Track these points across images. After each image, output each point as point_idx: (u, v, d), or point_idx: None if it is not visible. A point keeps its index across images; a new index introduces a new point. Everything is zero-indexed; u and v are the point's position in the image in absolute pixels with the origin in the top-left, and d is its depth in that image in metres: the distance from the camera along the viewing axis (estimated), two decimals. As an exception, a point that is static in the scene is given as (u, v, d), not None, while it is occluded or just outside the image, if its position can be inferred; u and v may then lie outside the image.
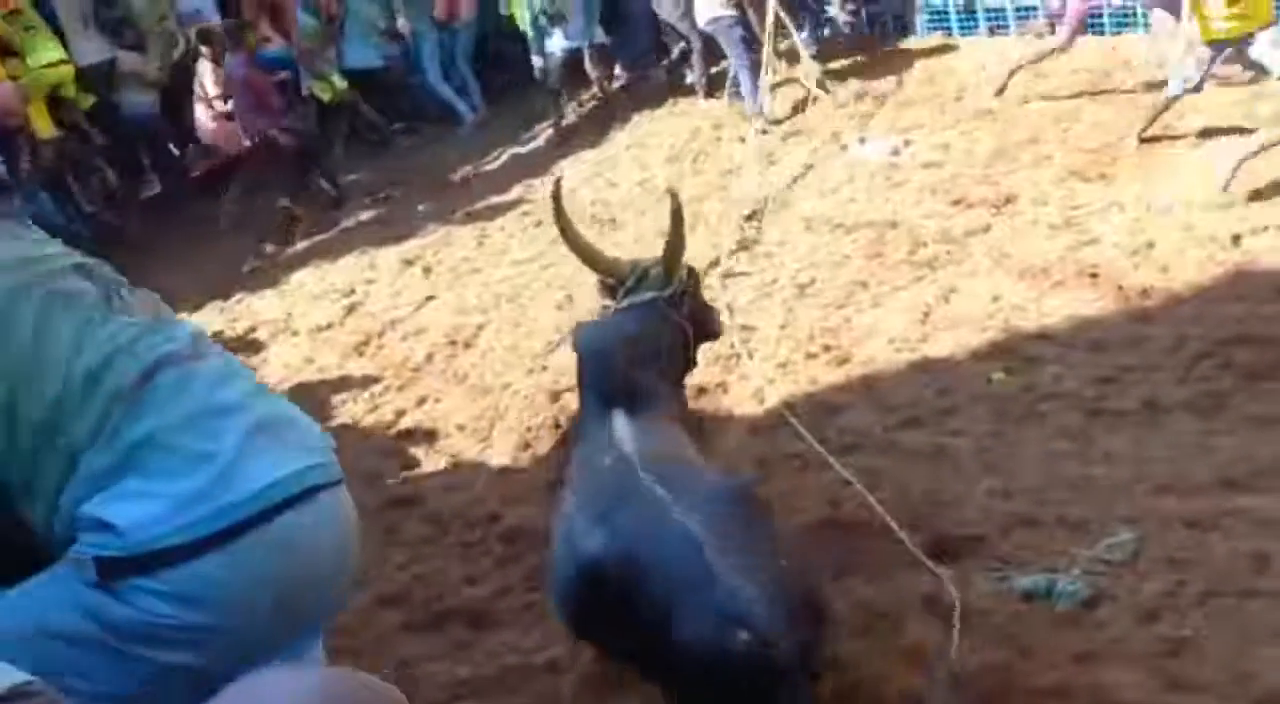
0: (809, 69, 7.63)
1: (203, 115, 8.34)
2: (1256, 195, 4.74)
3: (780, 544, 2.19)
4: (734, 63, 7.68)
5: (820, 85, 7.52)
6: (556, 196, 3.08)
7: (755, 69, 7.43)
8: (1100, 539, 3.08)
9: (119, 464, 1.53)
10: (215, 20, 8.58)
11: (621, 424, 2.56)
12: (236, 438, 1.60)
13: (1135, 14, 7.06)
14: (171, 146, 8.98)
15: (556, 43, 8.45)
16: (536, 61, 8.53)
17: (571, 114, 8.75)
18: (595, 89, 8.82)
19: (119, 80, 8.17)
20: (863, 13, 8.58)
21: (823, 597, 2.24)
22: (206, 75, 8.22)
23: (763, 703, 2.02)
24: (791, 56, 7.93)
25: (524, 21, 8.45)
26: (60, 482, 1.53)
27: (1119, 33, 7.12)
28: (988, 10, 7.83)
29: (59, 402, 1.53)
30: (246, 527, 1.55)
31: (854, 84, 7.68)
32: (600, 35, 8.64)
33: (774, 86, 7.63)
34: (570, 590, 2.38)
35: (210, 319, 6.50)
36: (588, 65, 8.65)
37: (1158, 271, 4.39)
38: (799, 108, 7.59)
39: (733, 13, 7.57)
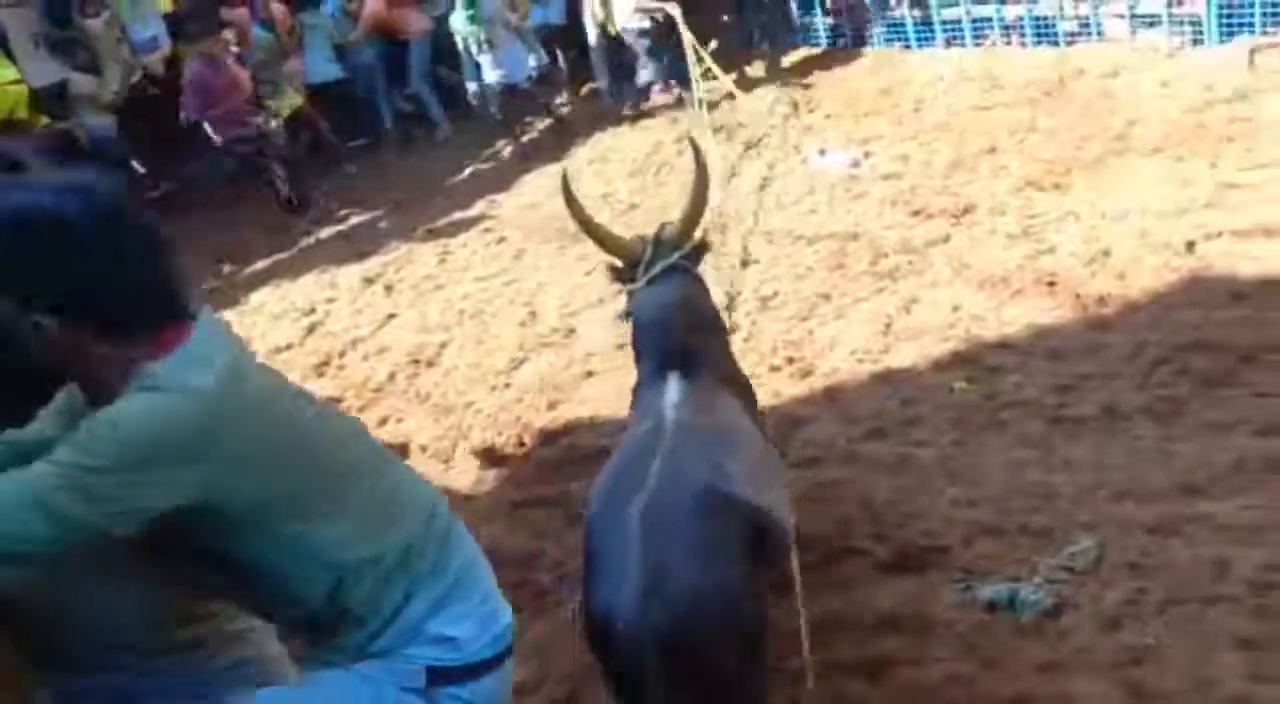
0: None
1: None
2: (1210, 202, 4.79)
3: (715, 557, 2.14)
4: (639, 70, 7.88)
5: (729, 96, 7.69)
6: (565, 185, 3.16)
7: (661, 75, 7.81)
8: (1062, 547, 3.10)
9: (449, 592, 1.83)
10: (167, 45, 8.48)
11: (673, 389, 2.60)
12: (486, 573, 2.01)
13: (1090, 23, 7.16)
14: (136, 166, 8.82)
15: (491, 73, 8.36)
16: (470, 87, 8.45)
17: (524, 137, 8.69)
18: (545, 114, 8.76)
19: (72, 102, 8.05)
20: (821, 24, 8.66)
21: (746, 612, 2.13)
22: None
23: (643, 688, 2.02)
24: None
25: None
26: (399, 603, 1.78)
27: (1072, 42, 7.21)
28: (944, 22, 7.91)
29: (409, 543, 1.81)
30: (506, 655, 1.94)
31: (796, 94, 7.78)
32: (536, 64, 8.51)
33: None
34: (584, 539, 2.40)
35: (168, 341, 6.40)
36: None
37: (1114, 279, 4.43)
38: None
39: (641, 24, 7.76)
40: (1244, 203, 4.73)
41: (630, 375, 3.64)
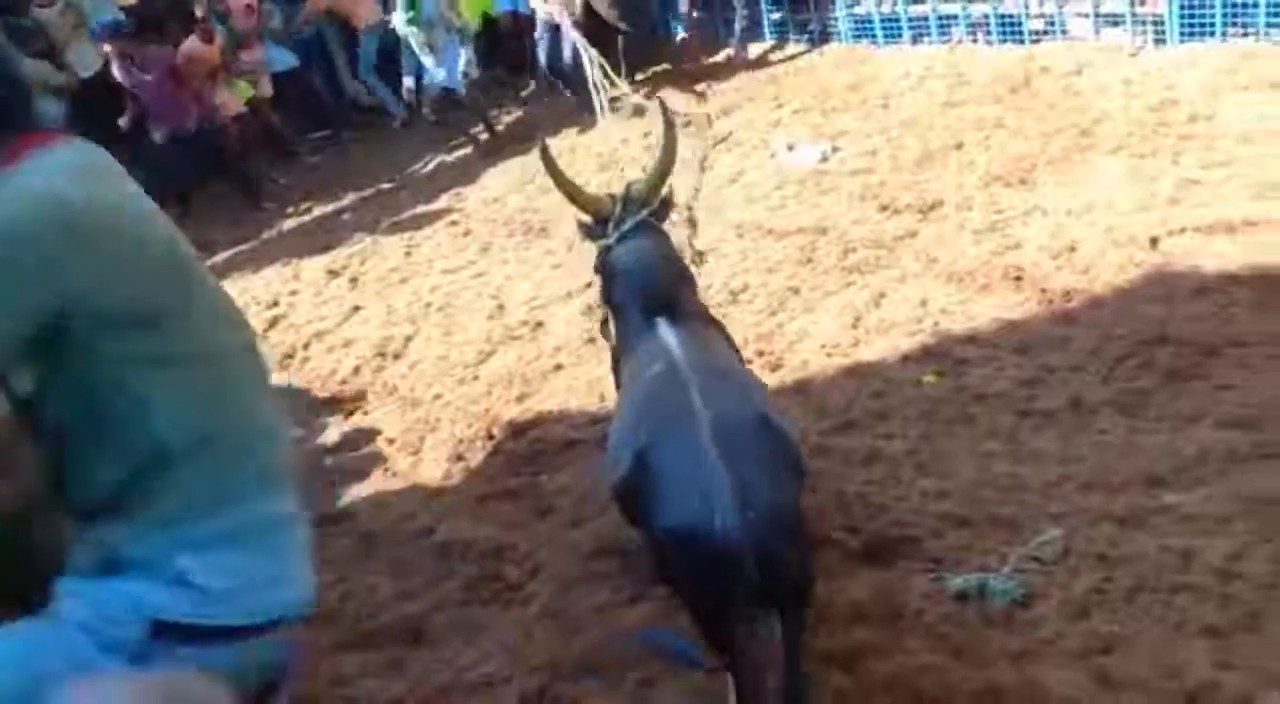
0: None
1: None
2: (1173, 199, 4.85)
3: (780, 475, 2.39)
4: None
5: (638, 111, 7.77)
6: (545, 150, 3.40)
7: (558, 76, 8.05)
8: (1031, 538, 3.11)
9: (234, 534, 1.63)
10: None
11: (667, 333, 2.79)
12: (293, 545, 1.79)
13: (1054, 22, 7.24)
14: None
15: (435, 73, 8.23)
16: (407, 81, 8.27)
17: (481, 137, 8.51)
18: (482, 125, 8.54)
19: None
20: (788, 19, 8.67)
21: (803, 530, 2.44)
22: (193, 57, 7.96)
23: (732, 600, 2.18)
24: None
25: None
26: (167, 495, 1.58)
27: (1038, 41, 7.28)
28: (911, 19, 7.95)
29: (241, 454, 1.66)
30: (263, 630, 1.66)
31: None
32: (465, 69, 8.31)
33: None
34: (617, 488, 2.62)
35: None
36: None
37: (1080, 274, 4.47)
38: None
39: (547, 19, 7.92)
40: (1206, 199, 4.80)
41: (599, 368, 3.64)
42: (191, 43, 7.89)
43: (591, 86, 7.72)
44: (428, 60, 8.09)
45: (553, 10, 8.02)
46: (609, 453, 2.78)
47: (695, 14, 8.89)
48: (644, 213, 3.12)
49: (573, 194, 3.28)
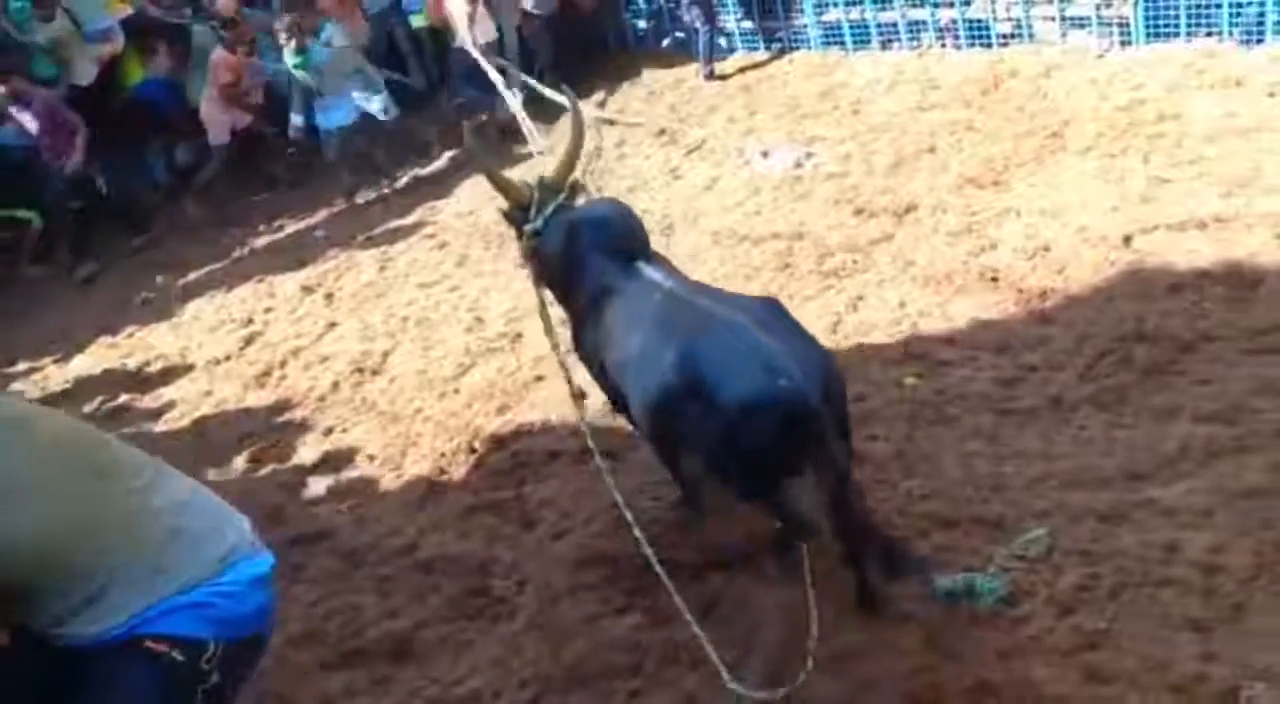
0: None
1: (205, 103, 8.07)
2: (1144, 197, 4.90)
3: (811, 340, 2.87)
4: None
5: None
6: (469, 134, 4.05)
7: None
8: (1016, 536, 3.14)
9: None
10: (121, 39, 8.23)
11: (650, 271, 3.15)
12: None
13: (1022, 26, 7.30)
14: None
15: (321, 119, 7.94)
16: (295, 120, 7.92)
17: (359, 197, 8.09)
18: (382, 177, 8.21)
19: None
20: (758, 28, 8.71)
21: (841, 379, 2.88)
22: (219, 64, 7.94)
23: (797, 451, 2.61)
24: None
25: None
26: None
27: (1006, 44, 7.34)
28: (879, 26, 8.00)
29: None
30: None
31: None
32: (383, 107, 8.06)
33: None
34: (655, 402, 2.86)
35: (100, 356, 6.22)
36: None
37: (1055, 273, 4.50)
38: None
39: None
40: (1176, 197, 4.85)
41: (580, 377, 3.63)
42: (220, 52, 7.95)
43: (518, 111, 7.65)
44: (318, 103, 7.82)
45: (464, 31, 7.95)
46: (633, 387, 3.00)
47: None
48: (560, 196, 3.42)
49: (502, 186, 3.50)
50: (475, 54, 7.76)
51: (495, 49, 8.22)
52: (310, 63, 7.56)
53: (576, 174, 3.57)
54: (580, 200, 3.59)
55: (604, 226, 3.30)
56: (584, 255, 3.26)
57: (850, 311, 4.66)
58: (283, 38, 7.54)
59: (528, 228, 3.44)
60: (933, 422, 3.82)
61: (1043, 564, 3.02)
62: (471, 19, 7.93)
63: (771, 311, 2.91)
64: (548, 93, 7.48)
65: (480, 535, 3.81)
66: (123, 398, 5.57)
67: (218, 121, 8.02)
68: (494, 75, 7.73)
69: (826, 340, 4.44)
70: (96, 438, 2.02)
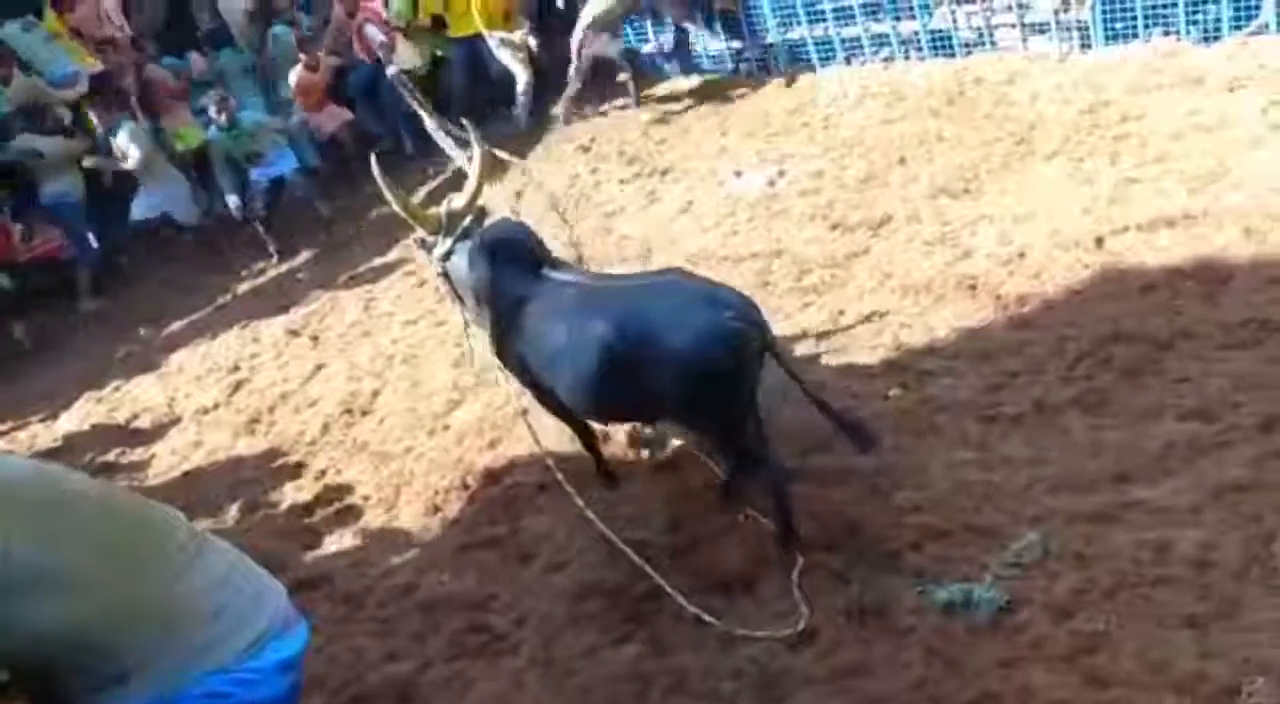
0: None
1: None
2: (1113, 198, 4.97)
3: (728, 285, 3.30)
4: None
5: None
6: (376, 167, 3.89)
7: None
8: (1009, 543, 3.17)
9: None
10: (85, 84, 8.23)
11: (557, 274, 3.50)
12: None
13: (983, 34, 7.40)
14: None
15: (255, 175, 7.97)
16: (231, 200, 7.87)
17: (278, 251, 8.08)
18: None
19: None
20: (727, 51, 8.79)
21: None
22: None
23: (747, 380, 3.12)
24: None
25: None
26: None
27: (969, 53, 7.43)
28: (844, 40, 8.09)
29: None
30: None
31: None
32: (299, 163, 8.16)
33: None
34: (599, 372, 3.21)
35: (87, 411, 6.20)
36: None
37: (1031, 278, 4.56)
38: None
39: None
40: (1144, 196, 4.92)
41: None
42: (299, 71, 8.44)
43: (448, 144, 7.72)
44: (251, 170, 7.88)
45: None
46: (566, 372, 3.36)
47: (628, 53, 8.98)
48: (468, 219, 3.80)
49: (413, 214, 3.89)
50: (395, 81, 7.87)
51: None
52: (245, 130, 7.63)
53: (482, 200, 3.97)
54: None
55: (507, 244, 3.63)
56: (493, 272, 3.60)
57: (831, 326, 4.70)
58: (212, 111, 7.62)
59: (435, 252, 3.84)
60: (920, 432, 3.85)
61: (1037, 570, 3.06)
62: (390, 48, 8.28)
63: (683, 274, 3.41)
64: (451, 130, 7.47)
65: (478, 572, 3.82)
66: (113, 453, 5.56)
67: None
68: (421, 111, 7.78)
69: (809, 355, 4.51)
70: (137, 514, 1.99)
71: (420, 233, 3.92)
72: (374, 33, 8.45)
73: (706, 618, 3.14)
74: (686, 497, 3.81)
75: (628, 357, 3.12)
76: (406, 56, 8.57)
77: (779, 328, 4.78)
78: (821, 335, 4.64)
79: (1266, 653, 2.56)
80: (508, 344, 3.65)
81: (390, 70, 8.06)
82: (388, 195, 3.86)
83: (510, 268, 3.57)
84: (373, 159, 4.01)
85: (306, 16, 9.47)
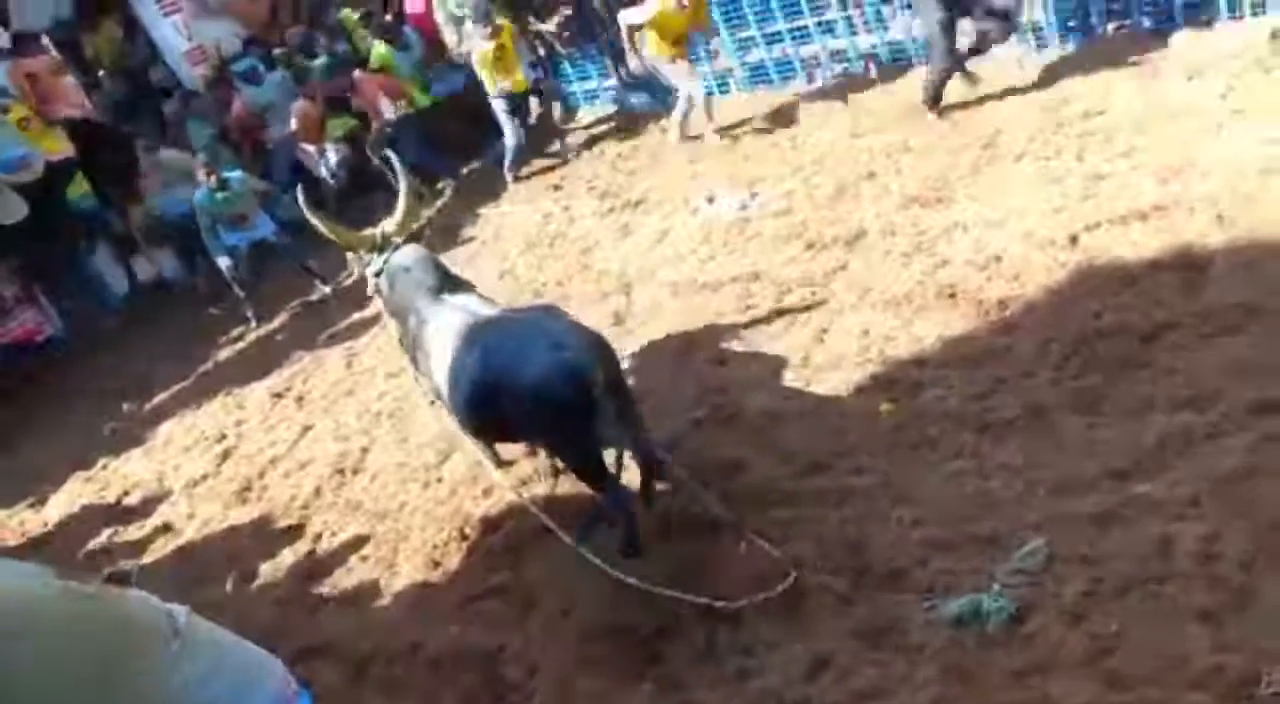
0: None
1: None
2: (1084, 195, 5.00)
3: (582, 325, 3.63)
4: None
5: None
6: (307, 204, 4.47)
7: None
8: (1013, 551, 3.15)
9: None
10: (40, 164, 8.22)
11: (454, 299, 3.96)
12: None
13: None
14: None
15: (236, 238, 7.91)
16: (223, 262, 7.80)
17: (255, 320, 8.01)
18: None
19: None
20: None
21: (611, 349, 3.59)
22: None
23: (590, 414, 3.31)
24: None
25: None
26: None
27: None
28: (803, 59, 8.16)
29: None
30: None
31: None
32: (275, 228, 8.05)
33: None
34: (470, 398, 3.59)
35: (77, 492, 6.13)
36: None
37: (1010, 282, 4.57)
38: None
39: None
40: (1114, 191, 4.95)
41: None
42: (300, 103, 8.99)
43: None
44: (233, 233, 7.82)
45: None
46: (452, 393, 3.72)
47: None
48: (402, 239, 4.26)
49: (345, 238, 4.39)
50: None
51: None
52: (236, 193, 7.63)
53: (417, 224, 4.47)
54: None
55: (412, 269, 4.11)
56: (404, 293, 4.11)
57: (817, 346, 4.69)
58: (201, 174, 7.61)
59: (369, 270, 4.32)
60: (914, 445, 3.84)
61: (1045, 575, 3.03)
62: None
63: (550, 311, 3.76)
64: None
65: (484, 624, 3.77)
66: (104, 533, 5.48)
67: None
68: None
69: (798, 378, 4.50)
70: (114, 616, 1.88)
71: (356, 251, 4.43)
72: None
73: (718, 605, 3.28)
74: (681, 528, 3.78)
75: (490, 388, 3.46)
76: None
77: (764, 350, 4.81)
78: (807, 356, 4.63)
79: (1282, 641, 2.54)
80: (417, 359, 4.15)
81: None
82: (313, 221, 4.34)
83: (414, 290, 4.06)
84: (298, 192, 4.60)
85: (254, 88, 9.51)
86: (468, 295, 4.05)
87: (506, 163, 8.79)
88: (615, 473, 3.63)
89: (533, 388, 3.30)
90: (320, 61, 9.50)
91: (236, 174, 7.85)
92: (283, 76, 9.47)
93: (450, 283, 4.12)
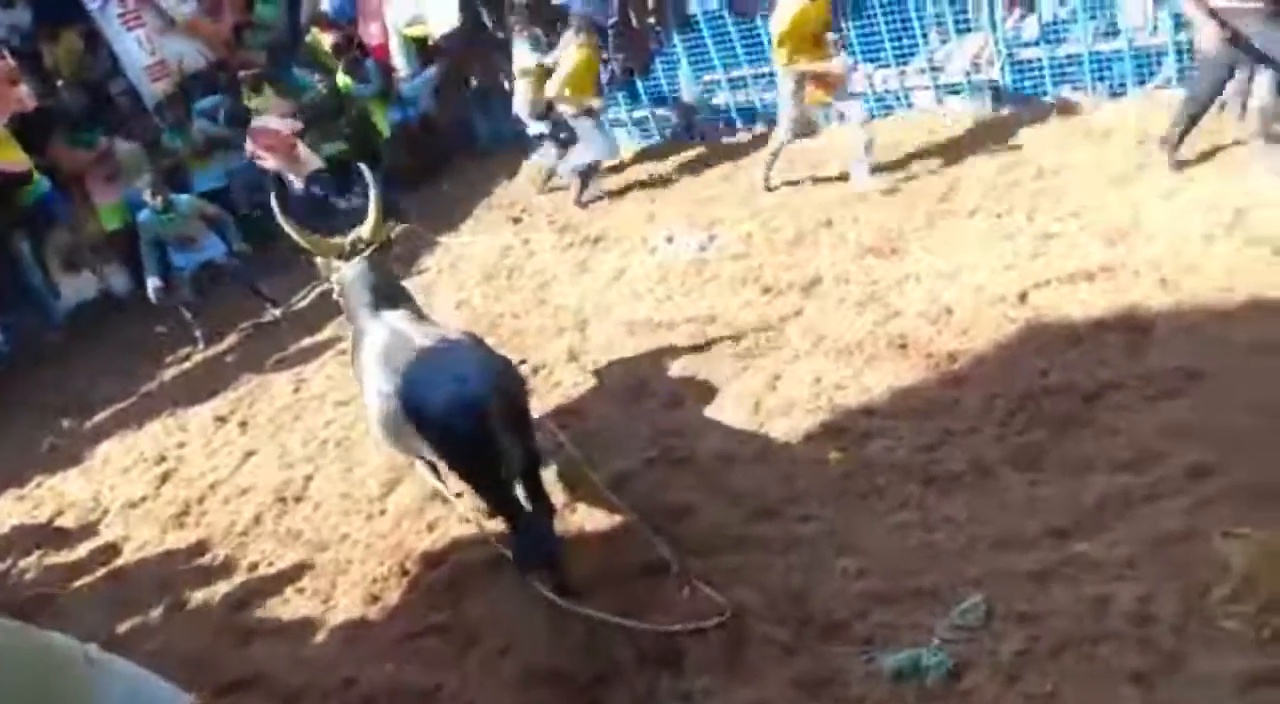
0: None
1: None
2: (1034, 253, 5.10)
3: (492, 353, 3.89)
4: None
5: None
6: (278, 203, 4.68)
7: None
8: (953, 605, 3.17)
9: None
10: None
11: (389, 316, 4.18)
12: None
13: (899, 95, 7.61)
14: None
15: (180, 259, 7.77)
16: (151, 283, 7.58)
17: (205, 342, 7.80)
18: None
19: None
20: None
21: (516, 377, 3.92)
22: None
23: (486, 445, 3.44)
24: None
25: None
26: None
27: (887, 114, 7.64)
28: (764, 104, 8.26)
29: None
30: None
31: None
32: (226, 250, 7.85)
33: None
34: (383, 420, 3.84)
35: (9, 510, 5.96)
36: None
37: (960, 335, 4.63)
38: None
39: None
40: (1063, 250, 5.06)
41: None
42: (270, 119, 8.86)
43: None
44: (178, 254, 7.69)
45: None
46: (372, 411, 3.96)
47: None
48: (368, 249, 4.46)
49: (313, 244, 4.55)
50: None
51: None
52: (180, 213, 7.52)
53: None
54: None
55: (357, 282, 4.38)
56: (351, 306, 4.42)
57: (769, 391, 4.72)
58: (147, 195, 7.50)
59: (334, 277, 4.55)
60: (861, 495, 3.87)
61: (983, 631, 3.06)
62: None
63: (468, 337, 3.94)
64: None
65: (422, 662, 3.71)
66: (35, 554, 5.33)
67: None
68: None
69: (750, 423, 4.51)
70: (37, 643, 1.85)
71: (324, 257, 4.58)
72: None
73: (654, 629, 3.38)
74: (624, 570, 3.77)
75: (401, 411, 3.64)
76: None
77: (717, 394, 4.82)
78: (759, 402, 4.65)
79: (1210, 707, 2.58)
80: (356, 367, 4.36)
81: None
82: (285, 227, 4.50)
83: (358, 304, 4.35)
84: (273, 200, 4.74)
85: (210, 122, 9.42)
86: (401, 312, 4.24)
87: (582, 191, 8.13)
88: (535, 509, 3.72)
89: (432, 419, 3.50)
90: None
91: (185, 197, 7.76)
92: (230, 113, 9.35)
93: (390, 298, 4.34)
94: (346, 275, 4.43)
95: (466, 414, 3.41)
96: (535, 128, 8.59)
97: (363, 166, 4.91)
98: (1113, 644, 2.85)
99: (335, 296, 4.66)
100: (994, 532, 3.43)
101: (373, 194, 4.58)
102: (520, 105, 8.50)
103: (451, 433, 3.49)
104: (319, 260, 4.64)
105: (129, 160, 8.94)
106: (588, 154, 7.95)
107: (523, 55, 8.26)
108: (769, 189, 7.13)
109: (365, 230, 4.51)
